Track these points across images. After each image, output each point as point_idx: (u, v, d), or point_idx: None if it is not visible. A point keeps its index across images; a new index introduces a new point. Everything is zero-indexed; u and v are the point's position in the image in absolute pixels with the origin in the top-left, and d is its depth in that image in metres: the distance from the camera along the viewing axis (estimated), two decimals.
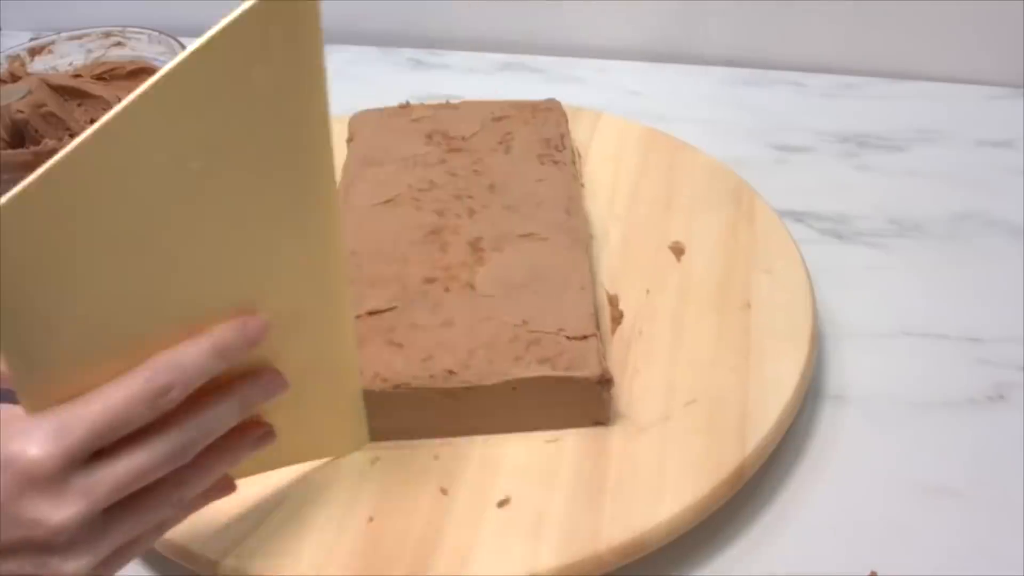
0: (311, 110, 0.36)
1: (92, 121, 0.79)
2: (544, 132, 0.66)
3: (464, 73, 0.89)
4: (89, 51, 0.82)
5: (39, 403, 0.35)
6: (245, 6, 0.31)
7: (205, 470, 0.39)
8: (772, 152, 0.76)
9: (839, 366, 0.57)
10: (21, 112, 0.74)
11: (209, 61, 0.31)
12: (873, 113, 0.79)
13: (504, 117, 0.68)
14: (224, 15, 0.31)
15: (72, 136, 0.73)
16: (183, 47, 0.77)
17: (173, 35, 0.78)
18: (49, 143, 0.70)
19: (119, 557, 0.38)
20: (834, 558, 0.47)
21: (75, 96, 0.78)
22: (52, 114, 0.75)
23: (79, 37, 0.82)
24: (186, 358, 0.36)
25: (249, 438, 0.40)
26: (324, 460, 0.50)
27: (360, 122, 0.68)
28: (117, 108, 0.30)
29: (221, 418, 0.38)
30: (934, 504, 0.49)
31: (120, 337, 0.35)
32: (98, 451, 0.35)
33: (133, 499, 0.36)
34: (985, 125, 0.76)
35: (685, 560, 0.47)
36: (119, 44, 0.81)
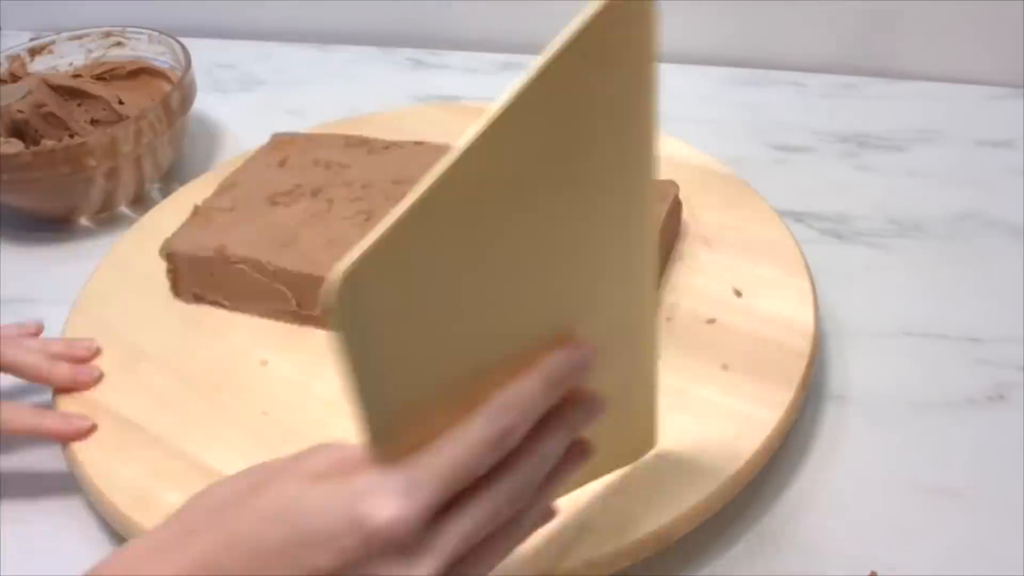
0: (643, 121, 0.34)
1: (92, 121, 0.80)
2: (338, 144, 0.68)
3: (464, 73, 0.89)
4: (89, 51, 0.82)
5: (386, 454, 0.33)
6: (592, 9, 0.29)
7: (538, 502, 0.37)
8: (772, 152, 0.76)
9: (840, 366, 0.57)
10: (21, 112, 0.74)
11: (554, 72, 0.29)
12: (873, 113, 0.79)
13: (285, 157, 0.67)
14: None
15: (72, 136, 0.73)
16: (183, 47, 0.78)
17: (173, 35, 0.79)
18: (49, 143, 0.70)
19: None
20: (834, 558, 0.47)
21: (75, 96, 0.78)
22: (52, 114, 0.75)
23: (79, 37, 0.82)
24: (522, 396, 0.34)
25: (572, 459, 0.38)
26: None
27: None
28: (469, 140, 0.29)
29: (554, 451, 0.36)
30: (934, 504, 0.49)
31: (459, 378, 0.34)
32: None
33: (476, 547, 0.35)
34: (985, 125, 0.76)
35: (687, 561, 0.47)
36: (119, 44, 0.82)
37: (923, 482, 0.50)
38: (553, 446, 0.36)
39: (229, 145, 0.81)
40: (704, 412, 0.50)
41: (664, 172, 0.64)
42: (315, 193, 0.63)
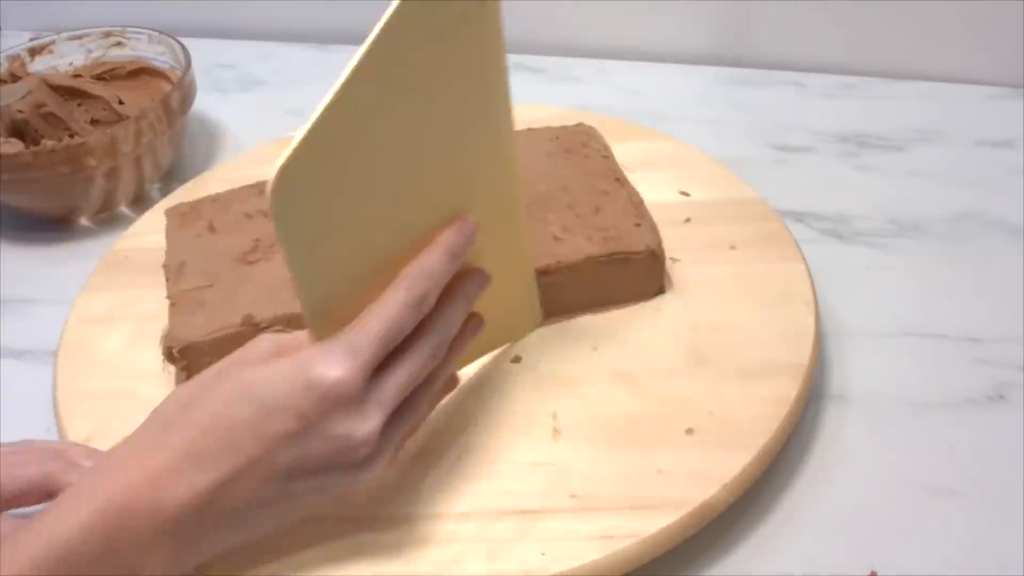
0: (492, 53, 0.43)
1: (92, 121, 0.80)
2: (252, 193, 0.64)
3: None
4: (89, 51, 0.82)
5: (325, 330, 0.40)
6: None
7: (447, 364, 0.44)
8: (772, 152, 0.76)
9: (841, 366, 0.57)
10: (21, 112, 0.74)
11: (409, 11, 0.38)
12: (873, 113, 0.79)
13: (208, 223, 0.62)
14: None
15: (72, 136, 0.73)
16: (183, 47, 0.78)
17: (173, 35, 0.79)
18: (49, 143, 0.70)
19: (394, 457, 0.43)
20: (834, 558, 0.47)
21: (75, 96, 0.78)
22: (52, 114, 0.75)
23: (79, 37, 0.82)
24: (430, 265, 0.41)
25: (469, 329, 0.46)
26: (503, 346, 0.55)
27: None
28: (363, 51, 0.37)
29: (458, 315, 0.44)
30: (934, 504, 0.49)
31: (377, 258, 0.41)
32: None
33: (405, 402, 0.41)
34: (985, 125, 0.76)
35: (688, 562, 0.47)
36: (119, 44, 0.82)
37: (923, 482, 0.50)
38: (457, 310, 0.43)
39: (229, 145, 0.81)
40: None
41: (664, 172, 0.65)
42: None
